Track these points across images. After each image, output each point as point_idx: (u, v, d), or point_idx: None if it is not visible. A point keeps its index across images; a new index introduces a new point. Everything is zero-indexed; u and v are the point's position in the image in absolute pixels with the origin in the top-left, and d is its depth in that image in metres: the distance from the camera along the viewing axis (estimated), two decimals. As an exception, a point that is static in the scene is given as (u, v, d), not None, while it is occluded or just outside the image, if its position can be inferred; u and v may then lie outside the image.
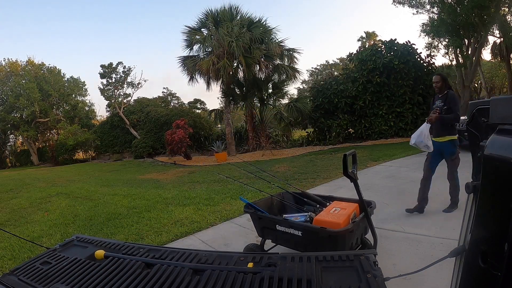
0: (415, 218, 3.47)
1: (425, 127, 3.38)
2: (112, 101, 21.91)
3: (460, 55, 15.61)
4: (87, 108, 27.76)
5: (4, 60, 24.08)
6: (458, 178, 3.55)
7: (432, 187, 4.55)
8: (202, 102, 28.64)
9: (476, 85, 29.18)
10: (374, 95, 12.50)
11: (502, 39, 18.15)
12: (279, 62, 14.27)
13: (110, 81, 21.22)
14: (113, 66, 20.97)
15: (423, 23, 18.55)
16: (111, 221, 4.65)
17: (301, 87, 34.70)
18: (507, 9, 16.06)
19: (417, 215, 3.52)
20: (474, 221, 0.71)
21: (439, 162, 3.62)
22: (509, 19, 16.39)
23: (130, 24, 70.40)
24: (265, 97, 14.76)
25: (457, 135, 3.57)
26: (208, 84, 14.42)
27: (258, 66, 13.73)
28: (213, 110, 16.92)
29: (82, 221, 4.85)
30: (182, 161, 13.19)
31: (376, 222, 2.81)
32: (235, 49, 12.33)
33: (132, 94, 23.06)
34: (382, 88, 12.35)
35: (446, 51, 19.21)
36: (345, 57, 17.46)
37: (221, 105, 17.44)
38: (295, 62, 14.34)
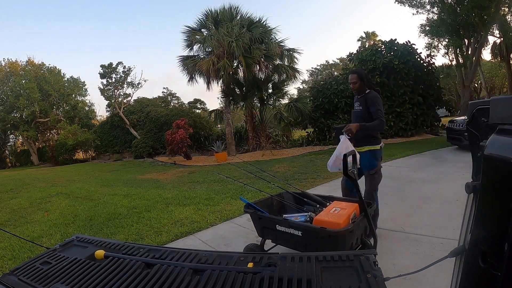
0: (415, 218, 3.46)
1: (343, 142, 2.61)
2: (112, 101, 21.90)
3: (460, 55, 15.64)
4: (87, 108, 27.81)
5: (4, 60, 24.15)
6: (378, 200, 3.02)
7: (431, 188, 4.56)
8: (202, 102, 28.78)
9: (476, 85, 29.22)
10: (374, 95, 12.48)
11: (502, 39, 18.18)
12: (279, 62, 14.26)
13: (110, 81, 21.21)
14: (113, 66, 20.96)
15: (423, 24, 18.61)
16: (111, 221, 4.65)
17: (301, 87, 34.80)
18: (507, 9, 16.09)
19: (417, 215, 3.52)
20: (474, 221, 0.71)
21: (359, 177, 2.92)
22: (509, 19, 16.42)
23: (130, 24, 70.79)
24: (265, 97, 14.75)
25: (381, 145, 2.94)
26: (208, 84, 14.41)
27: (258, 66, 13.72)
28: (213, 110, 16.90)
29: (82, 221, 4.85)
30: (182, 161, 13.18)
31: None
32: (235, 49, 12.32)
33: (132, 94, 23.08)
34: (382, 88, 12.32)
35: (446, 51, 19.26)
36: (345, 57, 17.49)
37: (221, 105, 17.43)
38: (295, 62, 14.34)
